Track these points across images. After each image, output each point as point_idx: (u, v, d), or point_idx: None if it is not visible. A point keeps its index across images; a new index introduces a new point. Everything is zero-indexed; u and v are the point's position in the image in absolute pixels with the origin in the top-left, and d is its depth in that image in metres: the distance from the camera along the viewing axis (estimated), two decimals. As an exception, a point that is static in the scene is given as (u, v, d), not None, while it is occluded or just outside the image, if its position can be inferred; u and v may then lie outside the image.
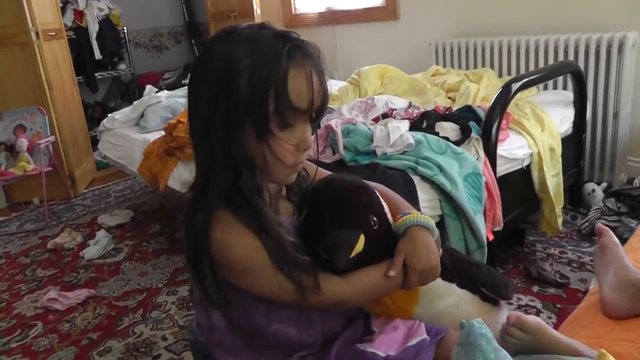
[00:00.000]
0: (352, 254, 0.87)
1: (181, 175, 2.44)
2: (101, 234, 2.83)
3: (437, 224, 1.75)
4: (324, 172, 1.06)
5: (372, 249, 0.91)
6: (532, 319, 0.93)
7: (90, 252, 2.69)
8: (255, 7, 4.31)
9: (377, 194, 0.98)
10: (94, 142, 3.85)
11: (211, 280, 0.85)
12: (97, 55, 4.57)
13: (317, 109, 0.85)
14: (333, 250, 0.87)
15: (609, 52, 2.64)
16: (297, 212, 0.95)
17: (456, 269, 1.07)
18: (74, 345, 1.97)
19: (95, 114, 4.77)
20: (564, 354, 0.85)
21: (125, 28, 4.88)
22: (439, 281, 0.99)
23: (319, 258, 0.88)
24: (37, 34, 3.36)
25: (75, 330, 2.06)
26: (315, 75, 0.83)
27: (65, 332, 2.06)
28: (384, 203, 0.97)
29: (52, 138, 3.37)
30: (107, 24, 4.66)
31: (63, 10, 4.25)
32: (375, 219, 0.93)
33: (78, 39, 4.46)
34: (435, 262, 0.92)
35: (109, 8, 4.70)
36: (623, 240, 1.53)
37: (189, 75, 0.89)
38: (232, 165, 0.84)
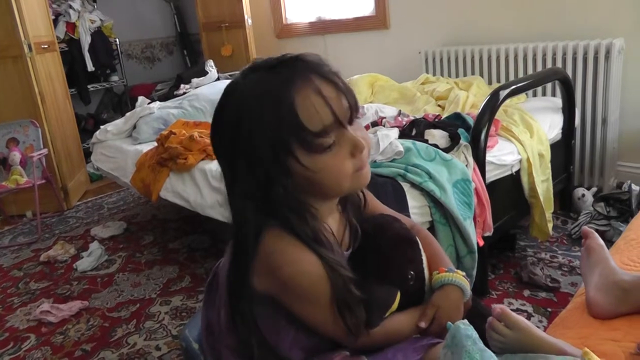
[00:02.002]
0: (387, 314, 0.91)
1: (173, 186, 2.45)
2: (94, 245, 2.83)
3: (428, 230, 1.78)
4: (377, 202, 1.08)
5: (402, 303, 0.93)
6: (517, 316, 0.94)
7: (84, 264, 2.68)
8: (246, 17, 4.35)
9: (420, 245, 1.00)
10: (87, 154, 3.86)
11: (249, 313, 0.85)
12: (90, 67, 4.59)
13: (348, 110, 0.82)
14: (370, 306, 0.87)
15: (596, 59, 2.67)
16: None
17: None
18: (67, 357, 1.96)
19: (88, 125, 4.78)
20: (550, 353, 0.86)
21: (117, 40, 4.90)
22: None
23: None
24: (29, 46, 3.37)
25: (68, 342, 2.06)
26: (324, 84, 0.80)
27: (58, 344, 2.05)
28: (423, 256, 0.99)
29: (45, 151, 3.38)
30: (99, 36, 4.68)
31: (55, 22, 4.27)
32: (412, 273, 0.95)
33: (70, 51, 4.48)
34: None
35: (101, 20, 4.72)
36: (613, 244, 1.55)
37: (212, 139, 0.88)
38: (282, 216, 0.82)
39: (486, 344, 0.82)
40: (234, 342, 0.92)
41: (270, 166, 0.79)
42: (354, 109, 0.83)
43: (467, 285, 0.98)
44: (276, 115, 0.77)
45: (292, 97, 0.77)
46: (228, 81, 3.59)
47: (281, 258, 0.82)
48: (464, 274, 0.99)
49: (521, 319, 0.93)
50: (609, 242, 1.72)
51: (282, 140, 0.78)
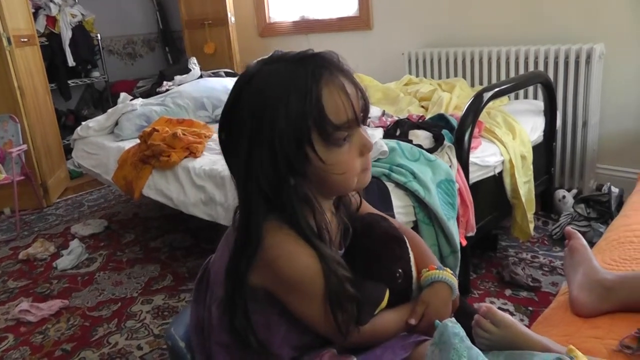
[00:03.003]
0: (376, 312, 0.91)
1: (156, 184, 2.43)
2: (75, 243, 2.79)
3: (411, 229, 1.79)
4: (364, 202, 1.09)
5: (390, 301, 0.94)
6: (502, 313, 0.95)
7: (64, 262, 2.65)
8: (229, 15, 4.33)
9: (408, 244, 1.01)
10: (67, 150, 3.80)
11: (243, 308, 0.85)
12: (70, 62, 4.52)
13: (362, 110, 0.85)
14: (360, 303, 0.88)
15: (577, 63, 2.71)
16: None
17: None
18: (47, 358, 1.93)
19: (68, 122, 4.71)
20: (535, 350, 0.88)
21: (98, 35, 4.83)
22: None
23: None
24: (8, 39, 3.31)
25: (48, 342, 2.03)
26: (347, 81, 0.83)
27: (37, 344, 2.02)
28: (411, 255, 1.00)
29: (24, 146, 3.32)
30: (80, 31, 4.61)
31: (35, 16, 4.19)
32: (401, 271, 0.97)
33: (51, 46, 4.41)
34: None
35: (82, 14, 4.65)
36: (592, 245, 1.58)
37: (220, 130, 0.87)
38: (290, 210, 0.83)
39: (473, 342, 0.83)
40: (225, 339, 0.91)
41: (293, 155, 0.81)
42: (367, 110, 0.87)
43: (455, 283, 0.99)
44: (302, 105, 0.79)
45: (320, 89, 0.80)
46: (211, 79, 3.54)
47: (278, 250, 0.83)
48: (452, 272, 1.00)
49: (507, 316, 0.94)
50: (590, 243, 1.74)
51: (306, 129, 0.80)
